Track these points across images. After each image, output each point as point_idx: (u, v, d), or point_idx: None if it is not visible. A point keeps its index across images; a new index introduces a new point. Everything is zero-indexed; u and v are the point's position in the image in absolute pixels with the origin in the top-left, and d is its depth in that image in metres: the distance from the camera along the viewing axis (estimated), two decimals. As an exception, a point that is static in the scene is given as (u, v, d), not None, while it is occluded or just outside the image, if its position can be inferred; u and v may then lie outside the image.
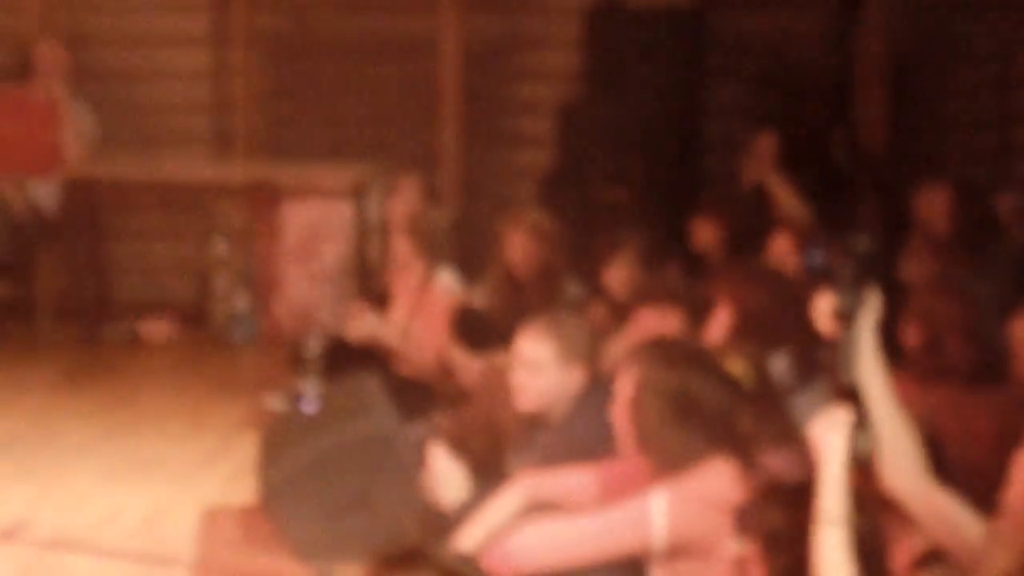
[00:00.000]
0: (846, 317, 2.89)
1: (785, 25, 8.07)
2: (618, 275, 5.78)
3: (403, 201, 7.20)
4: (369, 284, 7.60)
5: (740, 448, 3.57)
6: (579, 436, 4.36)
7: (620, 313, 5.20)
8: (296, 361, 6.53)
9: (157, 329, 8.13)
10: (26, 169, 7.56)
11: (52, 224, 7.67)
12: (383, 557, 3.12)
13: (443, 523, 4.20)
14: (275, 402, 6.45)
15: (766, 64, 8.12)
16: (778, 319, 4.38)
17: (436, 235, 6.25)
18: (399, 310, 6.28)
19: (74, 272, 7.94)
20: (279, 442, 5.09)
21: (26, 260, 7.77)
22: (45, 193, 7.63)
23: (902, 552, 2.90)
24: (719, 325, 4.59)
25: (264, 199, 7.96)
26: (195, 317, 8.30)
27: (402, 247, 6.28)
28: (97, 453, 5.99)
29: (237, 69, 8.54)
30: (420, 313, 6.15)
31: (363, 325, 6.15)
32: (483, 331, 5.80)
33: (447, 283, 6.15)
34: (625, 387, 3.75)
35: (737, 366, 3.86)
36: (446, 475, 4.32)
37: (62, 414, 6.54)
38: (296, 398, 6.04)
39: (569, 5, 8.16)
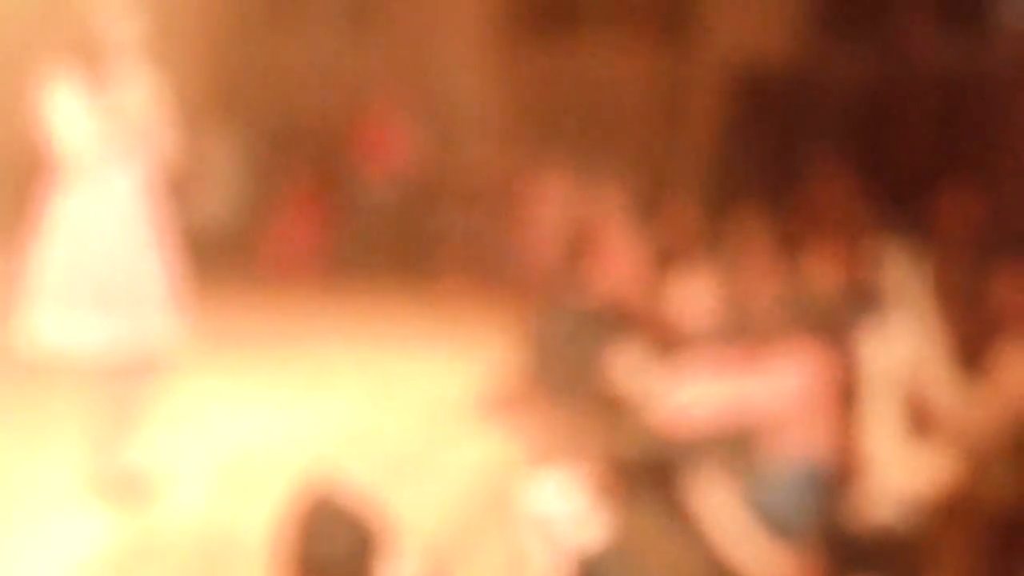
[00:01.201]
0: None
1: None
2: (752, 232, 6.04)
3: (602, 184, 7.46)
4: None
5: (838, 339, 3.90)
6: (723, 343, 4.71)
7: (753, 262, 5.58)
8: (546, 291, 6.66)
9: (456, 269, 8.49)
10: (384, 167, 8.38)
11: (396, 205, 8.42)
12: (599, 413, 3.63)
13: (635, 398, 4.56)
14: (536, 318, 6.20)
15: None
16: None
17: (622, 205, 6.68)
18: (598, 255, 6.46)
19: (410, 233, 8.46)
20: (541, 342, 5.55)
21: (380, 228, 8.46)
22: (394, 184, 8.45)
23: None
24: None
25: (525, 183, 8.29)
26: (479, 261, 8.57)
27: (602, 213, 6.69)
28: (415, 336, 6.70)
29: (510, 100, 8.90)
30: (610, 257, 6.32)
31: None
32: (661, 270, 5.99)
33: (631, 237, 6.48)
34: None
35: None
36: (637, 364, 4.73)
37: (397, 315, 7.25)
38: (548, 315, 6.06)
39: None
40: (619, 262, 6.30)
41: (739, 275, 5.34)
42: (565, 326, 5.51)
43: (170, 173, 4.32)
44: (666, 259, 6.02)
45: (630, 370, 4.83)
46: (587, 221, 6.84)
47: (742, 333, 4.71)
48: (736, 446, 3.92)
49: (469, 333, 6.85)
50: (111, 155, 4.09)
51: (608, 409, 4.71)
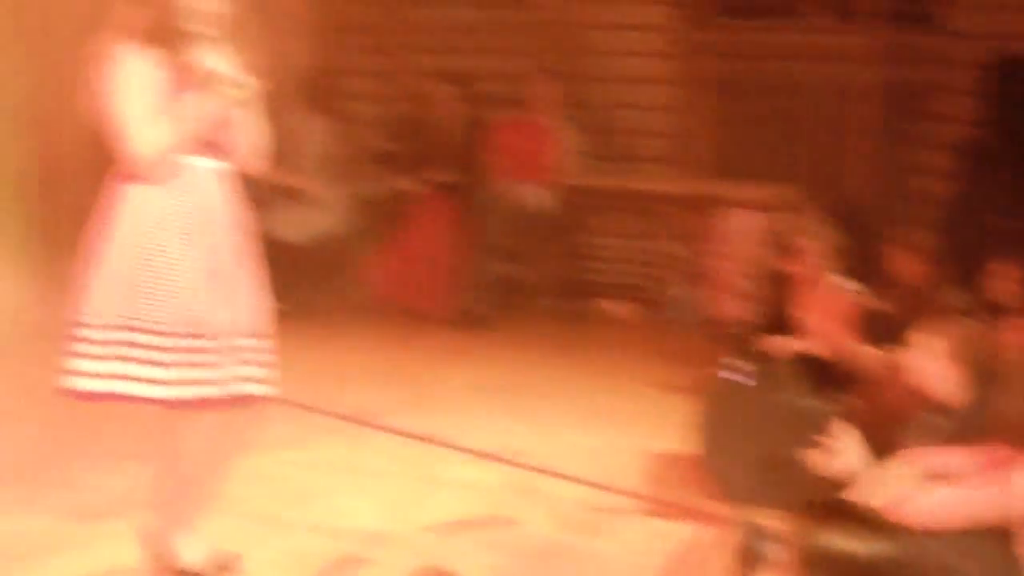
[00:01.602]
0: None
1: None
2: (1007, 288, 5.59)
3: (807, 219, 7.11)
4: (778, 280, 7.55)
5: None
6: (962, 422, 4.19)
7: (1004, 321, 5.01)
8: (730, 340, 6.59)
9: (620, 308, 8.39)
10: (529, 176, 7.94)
11: (547, 220, 8.00)
12: (804, 507, 3.16)
13: (843, 485, 4.09)
14: (715, 373, 6.49)
15: None
16: None
17: (834, 246, 6.17)
18: (800, 304, 6.22)
19: (564, 259, 8.26)
20: (719, 406, 5.22)
21: (524, 247, 8.11)
22: (540, 195, 7.98)
23: None
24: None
25: (706, 208, 8.03)
26: (649, 301, 8.44)
27: (806, 254, 6.22)
28: (563, 400, 6.24)
29: (690, 104, 8.57)
30: (817, 308, 5.97)
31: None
32: (881, 328, 5.71)
33: (843, 285, 6.06)
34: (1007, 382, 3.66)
35: None
36: (848, 445, 4.28)
37: (544, 369, 6.82)
38: (731, 371, 6.08)
39: (970, 58, 7.88)
40: (829, 311, 5.90)
41: (995, 338, 4.54)
42: (759, 388, 5.22)
43: (260, 174, 3.84)
44: (896, 311, 5.67)
45: (846, 451, 4.21)
46: (787, 256, 6.36)
47: (995, 414, 3.97)
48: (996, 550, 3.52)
49: (632, 393, 6.49)
50: (193, 150, 3.60)
51: (815, 496, 4.15)
